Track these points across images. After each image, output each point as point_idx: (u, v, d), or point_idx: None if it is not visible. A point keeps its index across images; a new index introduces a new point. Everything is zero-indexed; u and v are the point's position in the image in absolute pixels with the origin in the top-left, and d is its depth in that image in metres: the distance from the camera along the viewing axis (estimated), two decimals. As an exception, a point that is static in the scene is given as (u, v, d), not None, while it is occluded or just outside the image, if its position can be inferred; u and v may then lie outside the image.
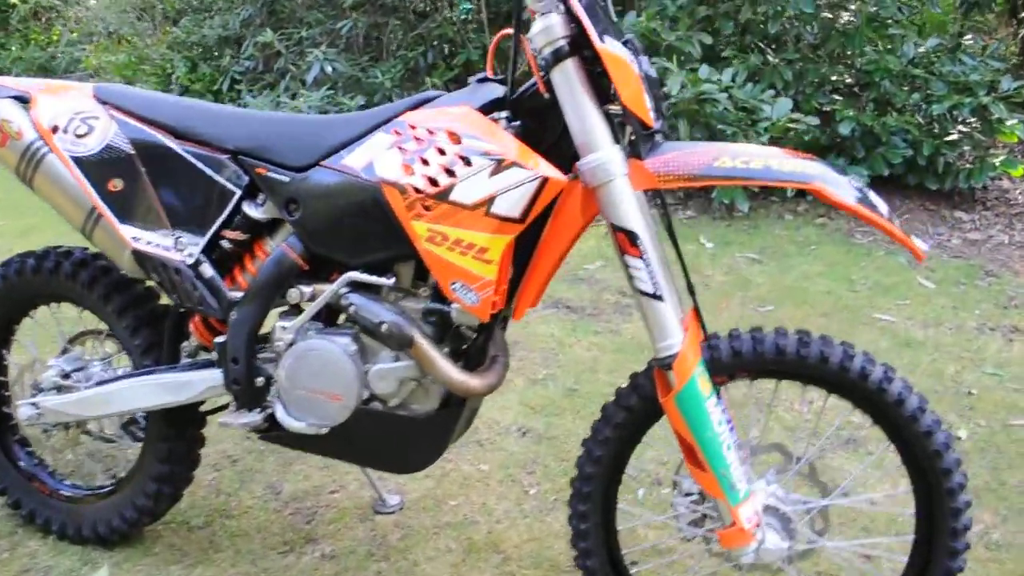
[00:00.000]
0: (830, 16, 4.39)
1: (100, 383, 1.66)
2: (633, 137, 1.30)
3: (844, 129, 4.03)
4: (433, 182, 1.30)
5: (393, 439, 1.49)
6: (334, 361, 1.42)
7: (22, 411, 1.73)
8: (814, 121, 3.91)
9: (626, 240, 1.28)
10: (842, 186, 1.23)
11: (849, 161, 4.14)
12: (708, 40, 4.18)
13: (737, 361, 1.35)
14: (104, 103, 1.56)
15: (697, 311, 1.49)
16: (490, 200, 1.28)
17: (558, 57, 1.27)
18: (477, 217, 1.29)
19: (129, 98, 1.56)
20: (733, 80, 4.00)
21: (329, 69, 4.73)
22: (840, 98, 4.26)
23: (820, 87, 4.30)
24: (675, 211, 4.20)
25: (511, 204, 1.28)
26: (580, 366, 2.65)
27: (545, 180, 1.27)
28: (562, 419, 2.34)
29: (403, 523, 1.92)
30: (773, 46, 4.51)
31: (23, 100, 1.59)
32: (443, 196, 1.29)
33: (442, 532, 1.88)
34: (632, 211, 1.28)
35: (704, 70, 3.92)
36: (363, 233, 1.38)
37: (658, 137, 1.34)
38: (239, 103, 5.18)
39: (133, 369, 1.70)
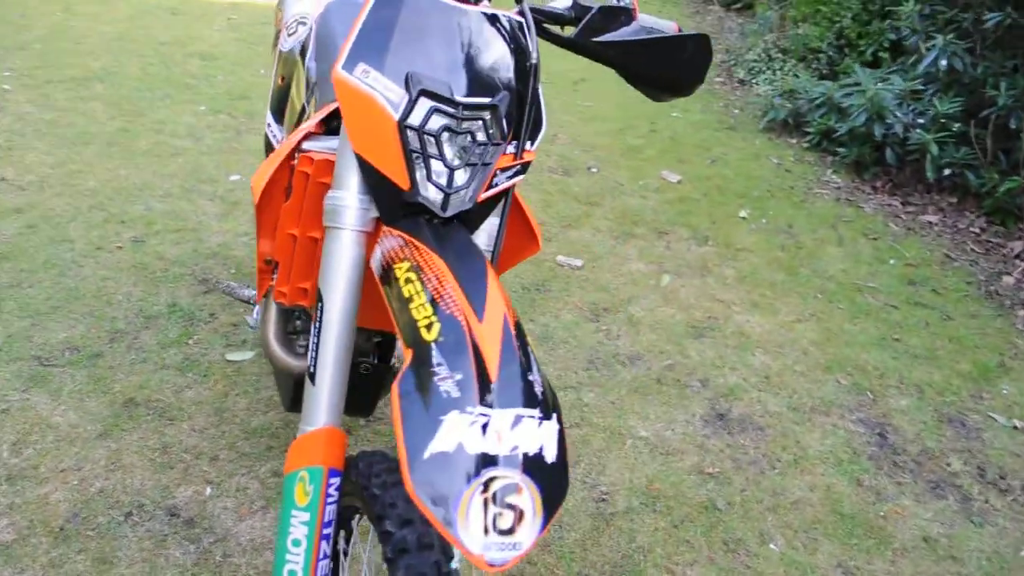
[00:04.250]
0: None
1: None
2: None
3: None
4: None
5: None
6: None
7: None
8: None
9: (315, 299, 1.12)
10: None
11: None
12: None
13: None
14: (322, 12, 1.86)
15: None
16: None
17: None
18: None
19: (330, 10, 1.82)
20: None
21: (943, 63, 3.92)
22: None
23: None
24: None
25: None
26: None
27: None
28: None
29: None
30: None
31: None
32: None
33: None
34: (335, 272, 1.09)
35: None
36: None
37: (454, 211, 1.08)
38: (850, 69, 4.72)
39: None
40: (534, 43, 1.13)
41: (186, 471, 1.91)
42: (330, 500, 1.11)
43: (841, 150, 4.43)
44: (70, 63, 4.30)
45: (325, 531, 1.12)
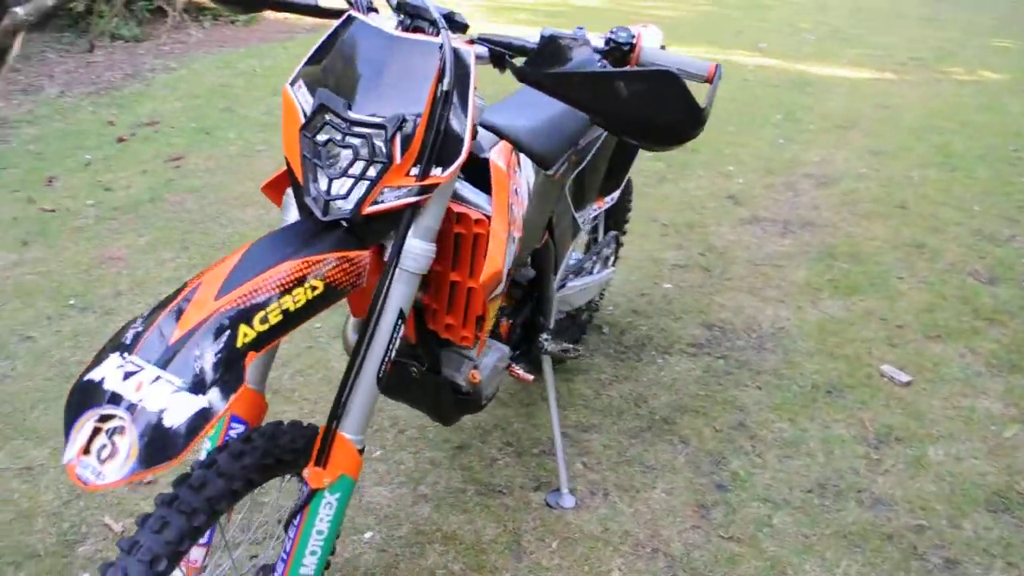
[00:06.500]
0: None
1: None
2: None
3: None
4: None
5: None
6: None
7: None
8: None
9: None
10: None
11: None
12: None
13: None
14: None
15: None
16: None
17: None
18: None
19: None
20: None
21: None
22: None
23: None
24: None
25: None
26: None
27: None
28: None
29: (522, 526, 2.08)
30: None
31: None
32: None
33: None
34: None
35: None
36: None
37: (332, 213, 1.22)
38: None
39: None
40: (450, 71, 1.20)
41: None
42: (228, 439, 1.31)
43: None
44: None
45: None
